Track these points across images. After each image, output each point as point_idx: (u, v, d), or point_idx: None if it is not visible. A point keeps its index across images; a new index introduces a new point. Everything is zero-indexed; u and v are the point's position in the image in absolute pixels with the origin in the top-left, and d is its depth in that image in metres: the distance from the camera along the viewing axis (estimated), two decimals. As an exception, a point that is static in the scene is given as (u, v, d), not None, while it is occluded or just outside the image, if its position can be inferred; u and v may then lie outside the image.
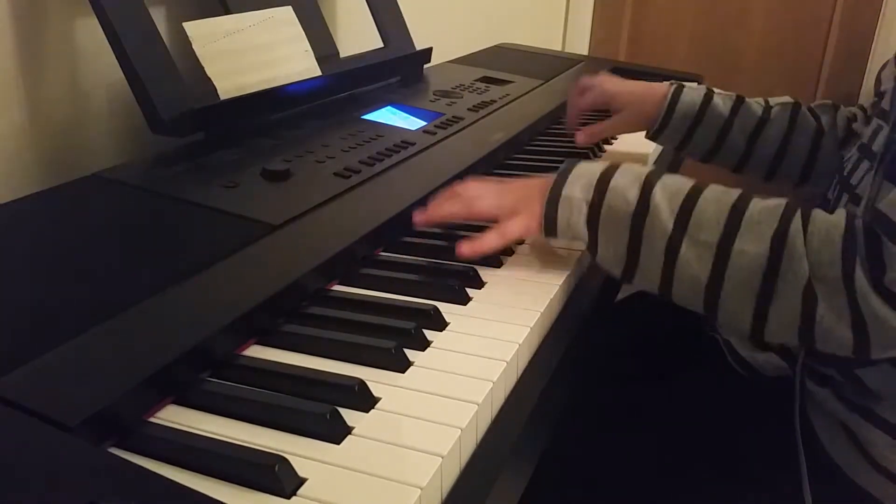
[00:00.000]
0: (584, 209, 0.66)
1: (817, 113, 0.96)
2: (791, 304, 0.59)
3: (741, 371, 0.85)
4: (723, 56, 2.38)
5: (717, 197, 0.64)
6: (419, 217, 0.69)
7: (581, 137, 0.98)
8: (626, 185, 0.65)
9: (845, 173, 0.79)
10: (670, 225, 0.63)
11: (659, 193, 0.64)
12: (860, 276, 0.57)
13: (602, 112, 1.02)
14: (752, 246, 0.60)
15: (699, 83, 1.53)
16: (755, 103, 0.97)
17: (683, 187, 0.65)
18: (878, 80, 0.87)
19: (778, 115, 0.95)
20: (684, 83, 0.98)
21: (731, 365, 0.86)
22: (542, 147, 1.02)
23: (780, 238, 0.60)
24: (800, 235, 0.59)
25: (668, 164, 1.06)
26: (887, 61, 0.86)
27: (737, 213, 0.62)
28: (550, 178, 0.69)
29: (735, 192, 0.64)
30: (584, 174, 0.68)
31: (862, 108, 0.95)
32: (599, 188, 0.66)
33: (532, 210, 0.68)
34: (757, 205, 0.63)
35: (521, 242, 0.74)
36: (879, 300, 0.57)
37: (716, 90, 0.98)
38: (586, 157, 0.99)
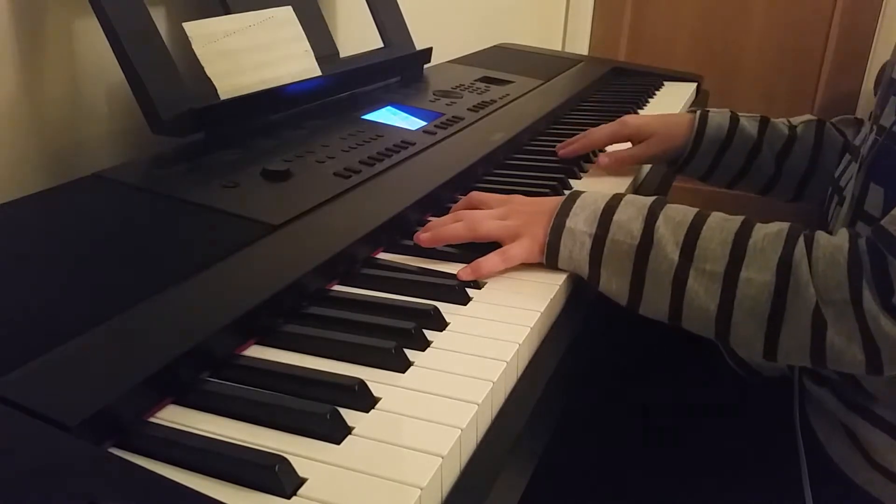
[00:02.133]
0: (588, 243, 0.65)
1: (841, 128, 0.95)
2: (801, 329, 0.59)
3: (740, 371, 0.85)
4: (723, 56, 2.38)
5: (721, 225, 0.64)
6: (424, 237, 0.68)
7: (605, 162, 0.93)
8: (629, 217, 0.65)
9: (837, 175, 0.80)
10: (676, 257, 0.62)
11: (662, 226, 0.64)
12: (868, 298, 0.57)
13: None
14: (758, 274, 0.60)
15: (699, 83, 1.53)
16: (780, 123, 0.96)
17: (687, 217, 0.65)
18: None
19: (804, 133, 0.94)
20: (708, 110, 0.97)
21: (729, 365, 0.86)
22: (543, 147, 1.02)
23: (785, 264, 0.60)
24: (804, 260, 0.59)
25: (659, 181, 1.04)
26: (883, 65, 0.86)
27: (741, 242, 0.62)
28: (556, 202, 0.68)
29: (738, 220, 0.64)
30: (589, 205, 0.67)
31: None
32: (603, 221, 0.65)
33: (535, 235, 0.67)
34: (760, 231, 0.63)
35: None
36: (889, 320, 0.57)
37: (740, 113, 0.97)
38: (586, 158, 0.98)
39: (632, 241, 0.64)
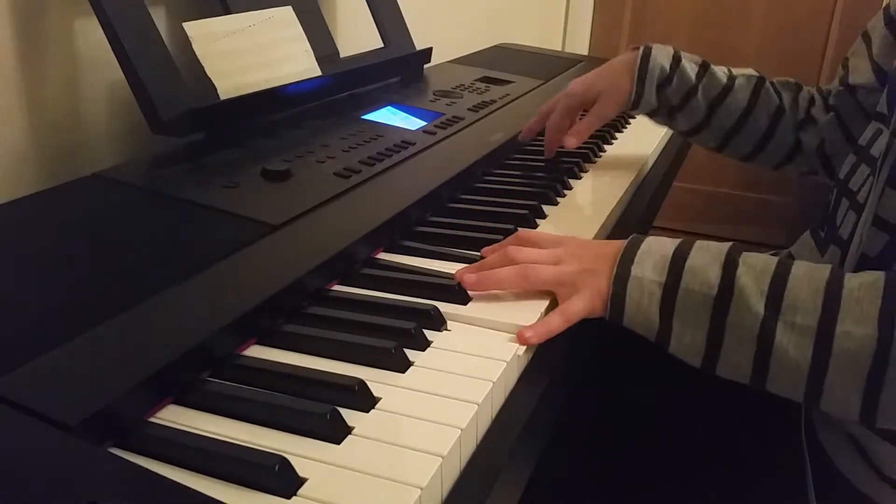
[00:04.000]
0: (658, 293, 0.59)
1: (779, 89, 0.96)
2: None
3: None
4: (723, 56, 2.37)
5: (809, 274, 0.58)
6: (469, 280, 0.62)
7: (571, 141, 0.93)
8: (704, 264, 0.59)
9: (842, 177, 0.79)
10: (761, 309, 0.56)
11: (744, 274, 0.57)
12: None
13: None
14: (857, 327, 0.54)
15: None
16: (720, 71, 0.96)
17: (770, 265, 0.58)
18: (846, 72, 0.88)
19: (741, 87, 0.95)
20: (651, 47, 0.96)
21: None
22: (542, 147, 1.02)
23: (887, 316, 0.54)
24: None
25: (674, 155, 1.05)
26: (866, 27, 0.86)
27: (834, 291, 0.56)
28: (616, 247, 0.62)
29: (826, 268, 0.58)
30: (656, 251, 0.61)
31: (820, 91, 0.95)
32: (674, 269, 0.59)
33: (596, 286, 0.60)
34: (854, 280, 0.57)
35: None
36: None
37: (684, 54, 0.96)
38: (586, 158, 0.98)
39: (709, 291, 0.58)
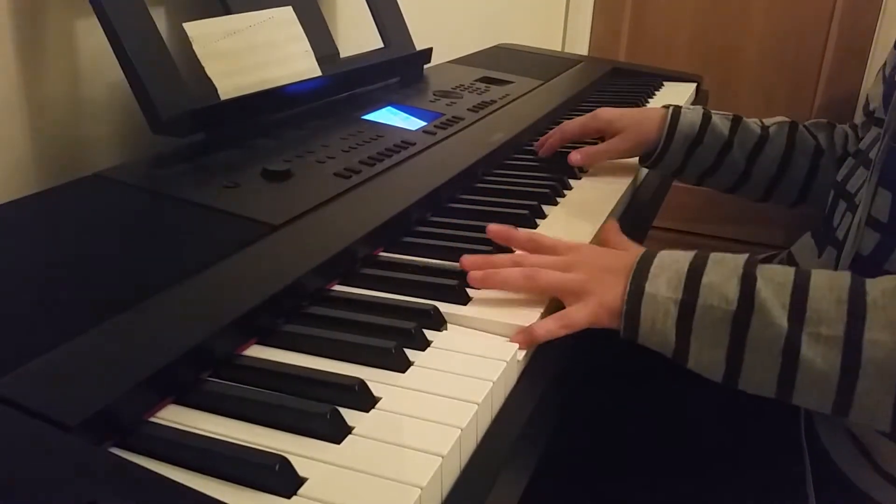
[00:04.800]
0: (674, 310, 0.57)
1: (814, 132, 0.95)
2: None
3: None
4: (723, 56, 2.38)
5: (829, 283, 0.56)
6: (475, 277, 0.62)
7: (576, 158, 0.92)
8: (721, 279, 0.57)
9: (840, 179, 0.79)
10: (784, 322, 0.55)
11: (764, 288, 0.56)
12: None
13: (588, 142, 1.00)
14: (884, 334, 0.53)
15: (699, 83, 1.53)
16: (753, 123, 0.96)
17: (788, 277, 0.57)
18: (867, 101, 0.87)
19: (776, 134, 0.94)
20: (680, 106, 0.97)
21: None
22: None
23: None
24: None
25: (659, 181, 1.04)
26: (878, 72, 0.86)
27: (857, 300, 0.55)
28: (629, 260, 0.61)
29: (845, 276, 0.57)
30: (670, 266, 0.59)
31: (853, 127, 0.94)
32: (690, 285, 0.58)
33: (604, 297, 0.59)
34: (876, 287, 0.56)
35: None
36: None
37: (713, 111, 0.96)
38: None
39: (728, 307, 0.56)
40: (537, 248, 0.66)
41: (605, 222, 0.78)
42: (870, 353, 0.53)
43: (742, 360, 0.56)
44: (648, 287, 0.58)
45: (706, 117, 0.95)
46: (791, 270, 0.58)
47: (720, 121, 0.95)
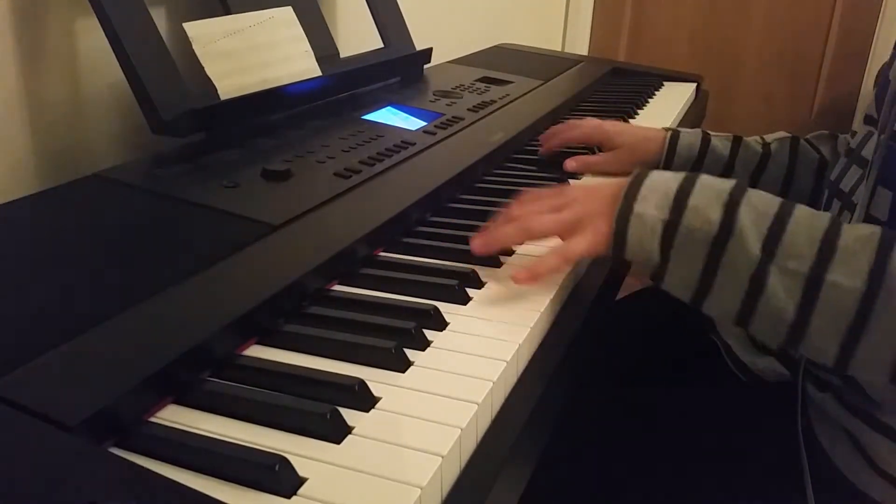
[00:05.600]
0: (659, 229, 0.60)
1: (816, 144, 0.94)
2: (885, 341, 0.55)
3: (741, 377, 0.85)
4: (723, 56, 2.38)
5: (809, 221, 0.58)
6: (476, 244, 0.64)
7: (572, 164, 0.93)
8: (707, 203, 0.60)
9: (833, 178, 0.79)
10: (758, 251, 0.57)
11: (745, 214, 0.58)
12: None
13: (586, 150, 1.00)
14: (846, 279, 0.55)
15: (699, 83, 1.53)
16: (753, 141, 0.95)
17: (771, 208, 0.59)
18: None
19: (778, 151, 0.94)
20: (679, 129, 0.96)
21: (732, 369, 0.86)
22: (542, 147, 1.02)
23: (878, 272, 0.54)
24: None
25: None
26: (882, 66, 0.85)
27: (830, 241, 0.56)
28: (618, 186, 0.63)
29: (826, 216, 0.59)
30: (659, 187, 0.62)
31: (854, 136, 0.94)
32: (677, 206, 0.60)
33: (597, 227, 0.62)
34: (850, 232, 0.57)
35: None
36: None
37: (712, 133, 0.96)
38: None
39: (709, 229, 0.59)
40: (524, 202, 0.67)
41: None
42: (827, 294, 0.55)
43: (713, 282, 0.59)
44: (637, 207, 0.61)
45: (705, 141, 0.94)
46: (777, 201, 0.60)
47: (720, 143, 0.95)
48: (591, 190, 0.65)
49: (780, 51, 2.34)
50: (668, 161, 0.94)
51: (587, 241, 0.61)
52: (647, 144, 0.95)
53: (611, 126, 0.97)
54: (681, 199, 0.60)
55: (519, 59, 1.50)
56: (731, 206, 0.59)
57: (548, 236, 0.63)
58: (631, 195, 0.61)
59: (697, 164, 0.94)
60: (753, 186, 0.92)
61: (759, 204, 0.60)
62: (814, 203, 0.93)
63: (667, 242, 0.60)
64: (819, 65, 2.31)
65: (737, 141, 0.95)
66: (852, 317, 0.55)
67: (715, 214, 0.59)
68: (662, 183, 0.62)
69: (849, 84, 2.27)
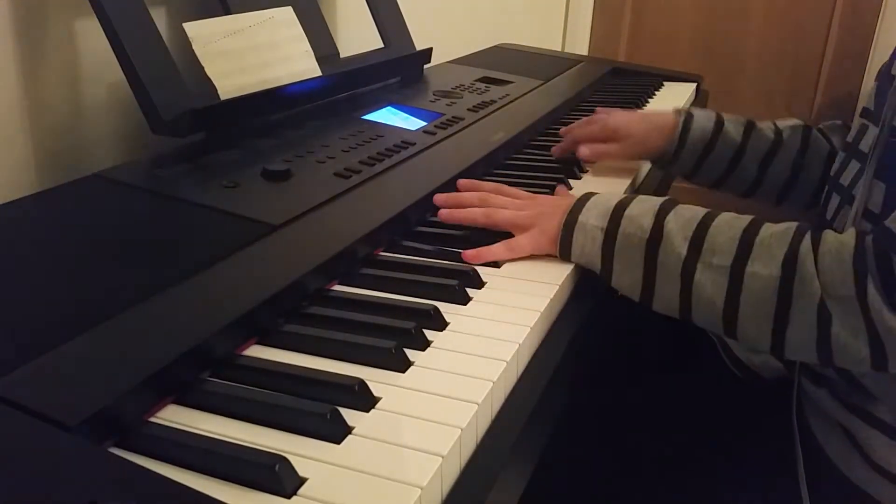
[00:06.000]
0: (600, 237, 0.67)
1: (828, 134, 0.94)
2: (807, 323, 0.60)
3: (737, 373, 0.85)
4: (723, 56, 2.38)
5: (730, 222, 0.65)
6: (443, 214, 0.73)
7: (584, 151, 0.94)
8: (641, 213, 0.67)
9: (832, 173, 0.79)
10: (684, 250, 0.64)
11: (672, 221, 0.66)
12: (873, 293, 0.58)
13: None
14: (764, 268, 0.61)
15: (699, 83, 1.53)
16: (766, 127, 0.95)
17: (696, 215, 0.67)
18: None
19: (790, 139, 0.94)
20: (692, 111, 0.96)
21: (728, 367, 0.86)
22: (543, 147, 1.02)
23: (790, 260, 0.61)
24: (810, 256, 0.60)
25: (659, 181, 1.04)
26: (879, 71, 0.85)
27: (748, 238, 0.63)
28: (571, 200, 0.71)
29: (747, 218, 0.66)
30: (601, 203, 0.70)
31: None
32: (615, 217, 0.68)
33: (545, 229, 0.69)
34: (768, 229, 0.64)
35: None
36: (893, 316, 0.57)
37: (725, 115, 0.96)
38: (578, 165, 0.97)
39: (642, 234, 0.66)
40: (501, 193, 0.76)
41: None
42: (750, 284, 0.62)
43: (654, 282, 0.66)
44: (581, 218, 0.69)
45: (718, 124, 0.95)
46: (702, 211, 0.68)
47: (733, 127, 0.95)
48: (552, 200, 0.74)
49: (780, 51, 2.34)
50: (680, 144, 0.94)
51: (532, 240, 0.69)
52: (656, 133, 0.95)
53: (615, 119, 0.97)
54: (618, 212, 0.68)
55: (519, 59, 1.50)
56: (661, 214, 0.67)
57: (503, 229, 0.71)
58: (577, 209, 0.69)
59: (709, 147, 0.94)
60: (763, 173, 0.95)
61: (686, 212, 0.67)
62: (821, 193, 0.94)
63: (608, 248, 0.67)
64: (819, 65, 2.31)
65: (750, 125, 0.95)
66: (775, 303, 0.61)
67: (647, 222, 0.66)
68: (605, 200, 0.70)
69: (849, 84, 2.27)
